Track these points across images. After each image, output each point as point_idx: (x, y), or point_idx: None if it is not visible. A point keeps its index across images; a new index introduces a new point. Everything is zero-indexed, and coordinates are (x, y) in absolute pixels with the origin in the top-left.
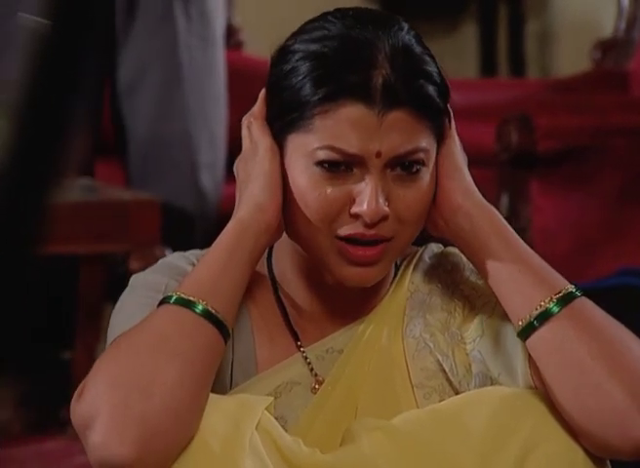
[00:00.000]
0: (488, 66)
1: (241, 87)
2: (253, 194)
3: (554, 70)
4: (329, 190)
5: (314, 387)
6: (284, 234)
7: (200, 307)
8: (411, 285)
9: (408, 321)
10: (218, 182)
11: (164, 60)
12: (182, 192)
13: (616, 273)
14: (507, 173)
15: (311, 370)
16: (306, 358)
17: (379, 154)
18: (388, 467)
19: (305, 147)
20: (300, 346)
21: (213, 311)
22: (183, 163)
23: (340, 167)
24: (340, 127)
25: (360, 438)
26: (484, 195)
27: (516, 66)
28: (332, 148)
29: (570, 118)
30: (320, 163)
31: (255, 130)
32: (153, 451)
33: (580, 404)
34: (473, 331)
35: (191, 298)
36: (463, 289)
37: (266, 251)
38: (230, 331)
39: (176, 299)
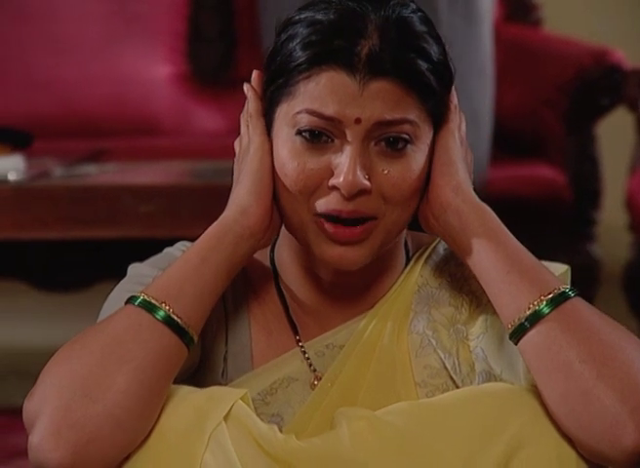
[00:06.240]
0: None
1: (536, 64)
2: (239, 196)
3: None
4: (308, 161)
5: (313, 383)
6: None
7: (162, 313)
8: (420, 278)
9: (413, 316)
10: (481, 163)
11: None
12: None
13: None
14: None
15: (310, 365)
16: (305, 353)
17: (358, 121)
18: (366, 457)
19: (288, 114)
20: (299, 341)
21: (174, 317)
22: None
23: (320, 137)
24: (320, 90)
25: (341, 426)
26: None
27: None
28: (309, 111)
29: None
30: (300, 132)
31: (251, 127)
32: (89, 458)
33: (568, 410)
34: (477, 327)
35: (154, 302)
36: (471, 283)
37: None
38: (195, 338)
39: (140, 301)
